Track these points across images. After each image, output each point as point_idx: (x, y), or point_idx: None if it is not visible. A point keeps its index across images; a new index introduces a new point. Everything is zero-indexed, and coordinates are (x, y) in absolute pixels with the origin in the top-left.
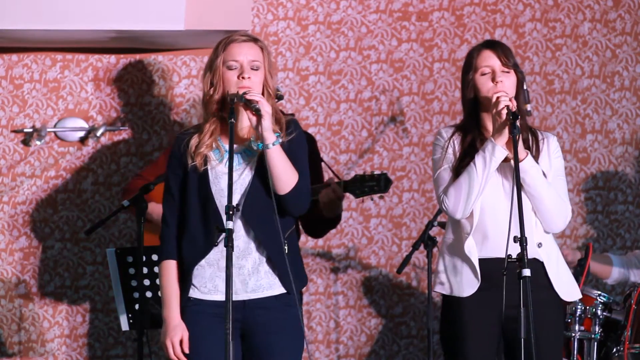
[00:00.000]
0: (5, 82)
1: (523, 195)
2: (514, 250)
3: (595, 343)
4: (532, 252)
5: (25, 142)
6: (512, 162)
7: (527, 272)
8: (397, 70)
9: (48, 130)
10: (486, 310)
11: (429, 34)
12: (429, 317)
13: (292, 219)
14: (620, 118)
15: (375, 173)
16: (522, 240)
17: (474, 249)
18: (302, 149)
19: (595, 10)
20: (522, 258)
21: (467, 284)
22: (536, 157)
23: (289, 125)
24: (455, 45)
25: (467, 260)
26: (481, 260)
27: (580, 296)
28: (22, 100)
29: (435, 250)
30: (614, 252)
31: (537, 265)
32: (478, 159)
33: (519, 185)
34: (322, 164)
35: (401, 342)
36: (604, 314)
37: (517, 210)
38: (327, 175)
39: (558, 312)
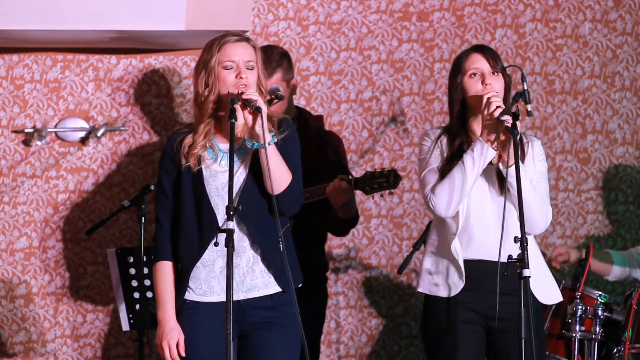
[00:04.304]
0: (6, 82)
1: (507, 199)
2: (504, 251)
3: (596, 343)
4: (514, 255)
5: (26, 143)
6: (500, 165)
7: (527, 272)
8: (398, 71)
9: (49, 130)
10: (469, 311)
11: (429, 34)
12: None
13: (287, 217)
14: (620, 118)
15: (384, 170)
16: (522, 240)
17: (459, 250)
18: (295, 148)
19: (596, 10)
20: (522, 258)
21: (451, 285)
22: (522, 160)
23: (281, 124)
24: (456, 46)
25: (452, 261)
26: (466, 262)
27: (561, 299)
28: (23, 101)
29: None
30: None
31: (515, 269)
32: (467, 158)
33: (519, 185)
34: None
35: (402, 342)
36: (605, 314)
37: (520, 210)
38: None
39: (537, 317)
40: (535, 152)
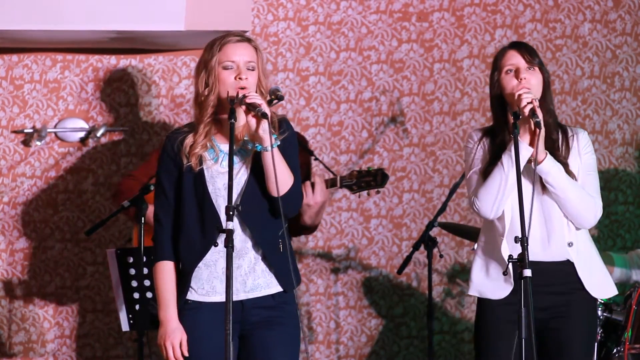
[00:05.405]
0: (5, 82)
1: (550, 196)
2: (547, 252)
3: (596, 343)
4: (563, 253)
5: (26, 143)
6: (532, 164)
7: (527, 272)
8: (398, 71)
9: (48, 130)
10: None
11: (429, 34)
12: (429, 318)
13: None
14: (620, 119)
15: (371, 168)
16: (522, 240)
17: (507, 252)
18: (294, 148)
19: (596, 10)
20: (522, 258)
21: (500, 287)
22: (566, 155)
23: (281, 125)
24: (456, 46)
25: (501, 263)
26: (514, 263)
27: (615, 292)
28: (23, 101)
29: (435, 250)
30: (615, 251)
31: (569, 267)
32: (505, 158)
33: (520, 185)
34: (318, 161)
35: (401, 342)
36: (605, 314)
37: (520, 210)
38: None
39: (590, 312)
40: (581, 144)
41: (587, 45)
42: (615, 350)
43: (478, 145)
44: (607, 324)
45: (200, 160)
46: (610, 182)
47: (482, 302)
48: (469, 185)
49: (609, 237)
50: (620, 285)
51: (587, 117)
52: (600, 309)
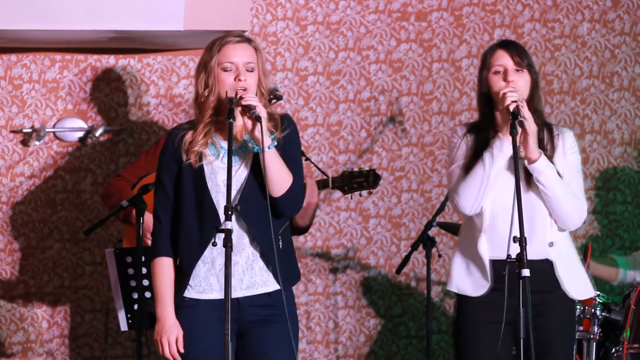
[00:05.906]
0: (4, 82)
1: (535, 194)
2: (528, 250)
3: (594, 343)
4: (543, 252)
5: (24, 143)
6: (525, 161)
7: (526, 272)
8: (396, 71)
9: (47, 130)
10: (496, 311)
11: (427, 34)
12: (428, 318)
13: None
14: (619, 118)
15: (363, 169)
16: (521, 240)
17: (486, 249)
18: (296, 146)
19: (594, 10)
20: (521, 258)
21: (478, 284)
22: (551, 155)
23: (283, 122)
24: (454, 46)
25: (479, 261)
26: (493, 261)
27: (593, 294)
28: (21, 101)
29: (434, 250)
30: (615, 252)
31: (547, 266)
32: (486, 155)
33: (518, 184)
34: (309, 162)
35: (400, 342)
36: (603, 314)
37: (519, 210)
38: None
39: (568, 312)
40: (567, 144)
41: (585, 45)
42: (613, 350)
43: (462, 141)
44: (605, 323)
45: (200, 157)
46: (609, 182)
47: (462, 299)
48: (449, 180)
49: (608, 237)
50: (620, 285)
51: (586, 117)
52: (599, 308)
